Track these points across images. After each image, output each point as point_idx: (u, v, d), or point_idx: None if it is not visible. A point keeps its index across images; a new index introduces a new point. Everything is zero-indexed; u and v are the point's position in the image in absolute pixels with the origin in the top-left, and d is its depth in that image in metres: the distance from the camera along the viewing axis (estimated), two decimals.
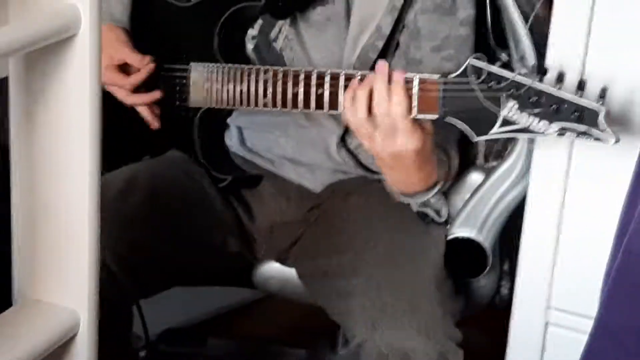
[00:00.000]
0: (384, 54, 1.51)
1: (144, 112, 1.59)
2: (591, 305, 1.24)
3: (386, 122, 1.33)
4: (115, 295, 1.44)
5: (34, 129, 1.01)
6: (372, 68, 1.49)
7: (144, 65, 1.56)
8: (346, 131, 1.57)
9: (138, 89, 1.57)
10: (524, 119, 1.26)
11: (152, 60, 1.56)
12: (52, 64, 0.98)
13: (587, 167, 1.37)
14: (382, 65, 1.35)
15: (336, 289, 1.46)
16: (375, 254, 1.47)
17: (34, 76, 1.00)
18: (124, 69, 1.57)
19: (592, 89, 1.25)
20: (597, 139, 1.23)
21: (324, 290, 1.51)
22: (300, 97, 1.43)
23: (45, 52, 0.97)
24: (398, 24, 1.50)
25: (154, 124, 1.60)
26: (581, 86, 1.24)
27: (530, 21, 1.38)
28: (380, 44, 1.50)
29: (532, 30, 1.38)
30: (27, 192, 1.05)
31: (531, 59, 1.40)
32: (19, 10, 0.94)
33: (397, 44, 1.53)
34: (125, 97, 1.57)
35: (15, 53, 0.95)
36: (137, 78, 1.56)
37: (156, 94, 1.57)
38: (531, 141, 1.41)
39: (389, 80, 1.33)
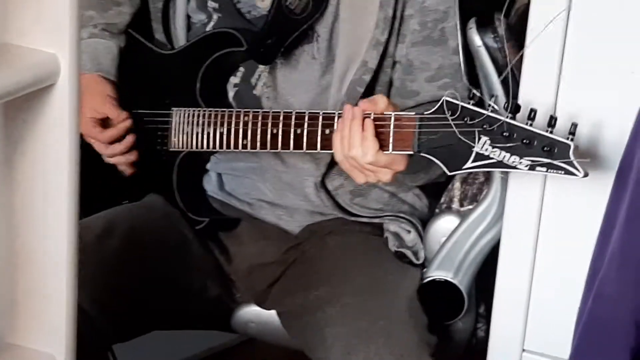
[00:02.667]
0: (372, 88, 1.54)
1: (119, 160, 1.62)
2: (565, 348, 1.25)
3: (365, 160, 1.37)
4: (93, 339, 1.45)
5: (12, 175, 1.02)
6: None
7: (120, 121, 1.59)
8: (326, 173, 1.59)
9: (113, 141, 1.60)
10: (496, 154, 1.29)
11: (128, 117, 1.59)
12: (31, 111, 1.00)
13: (559, 208, 1.39)
14: (346, 109, 1.40)
15: (313, 322, 1.48)
16: (351, 285, 1.48)
17: (13, 123, 1.01)
18: (104, 121, 1.60)
19: (562, 125, 1.28)
20: (567, 172, 1.26)
21: (300, 325, 1.52)
22: (279, 137, 1.46)
23: (25, 100, 0.98)
24: (384, 58, 1.53)
25: (128, 171, 1.62)
26: (552, 122, 1.27)
27: (503, 70, 1.41)
28: (367, 78, 1.53)
29: (504, 78, 1.40)
30: (5, 237, 1.05)
31: (502, 97, 1.43)
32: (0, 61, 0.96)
33: (391, 82, 1.55)
34: (102, 149, 1.60)
35: None
36: (111, 134, 1.60)
37: (129, 139, 1.60)
38: (505, 183, 1.43)
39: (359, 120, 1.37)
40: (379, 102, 1.41)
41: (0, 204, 1.05)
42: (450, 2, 1.51)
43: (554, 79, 1.32)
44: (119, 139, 1.60)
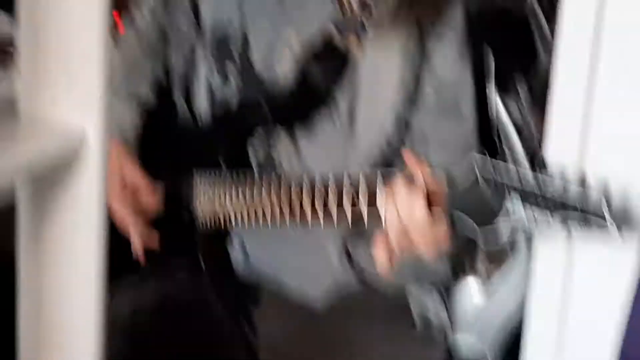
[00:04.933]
0: (392, 154, 1.55)
1: (137, 242, 1.61)
2: None
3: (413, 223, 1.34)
4: None
5: (40, 248, 1.02)
6: (382, 173, 1.52)
7: (153, 197, 1.59)
8: (349, 241, 1.58)
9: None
10: (527, 212, 1.28)
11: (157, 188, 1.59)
12: (59, 184, 1.00)
13: (587, 270, 1.37)
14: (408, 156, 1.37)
15: None
16: (376, 358, 1.46)
17: (41, 196, 1.01)
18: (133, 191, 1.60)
19: (592, 182, 1.27)
20: (600, 228, 1.25)
21: None
22: (307, 200, 1.45)
23: (53, 172, 0.99)
24: (402, 124, 1.54)
25: (140, 257, 1.62)
26: (583, 180, 1.26)
27: (525, 135, 1.41)
28: (386, 145, 1.53)
29: (527, 143, 1.40)
30: (33, 314, 1.05)
31: (527, 162, 1.43)
32: (27, 133, 0.97)
33: (404, 144, 1.56)
34: (131, 225, 1.60)
35: (23, 176, 0.96)
36: (148, 213, 1.59)
37: (154, 238, 1.60)
38: (530, 246, 1.42)
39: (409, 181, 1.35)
40: (424, 165, 1.38)
41: (28, 279, 1.05)
42: (466, 71, 1.53)
43: (578, 140, 1.31)
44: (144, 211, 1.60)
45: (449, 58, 1.53)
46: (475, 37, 1.54)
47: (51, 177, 0.99)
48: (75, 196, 1.00)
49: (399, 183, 1.34)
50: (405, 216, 1.33)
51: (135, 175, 1.59)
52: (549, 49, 1.39)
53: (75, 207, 1.00)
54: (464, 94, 1.53)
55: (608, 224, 1.24)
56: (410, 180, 1.34)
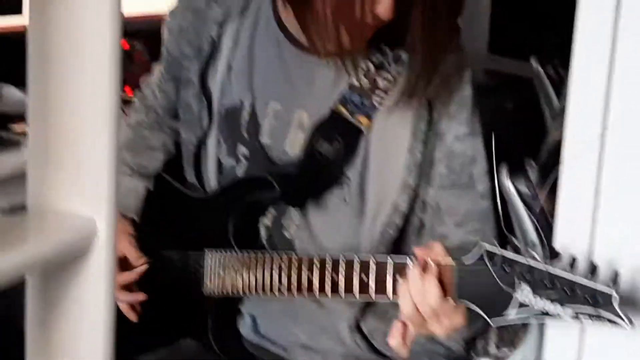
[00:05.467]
0: (404, 231, 1.54)
1: (124, 306, 1.62)
2: None
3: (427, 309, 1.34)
4: None
5: (48, 339, 1.02)
6: (393, 246, 1.53)
7: (137, 264, 1.60)
8: (361, 316, 1.58)
9: (126, 286, 1.61)
10: (538, 303, 1.27)
11: (146, 262, 1.60)
12: (68, 275, 1.00)
13: (599, 353, 1.36)
14: (418, 259, 1.35)
15: None
16: None
17: (49, 287, 1.01)
18: (122, 261, 1.61)
19: (601, 270, 1.26)
20: (612, 322, 1.24)
21: None
22: (316, 283, 1.45)
23: (62, 264, 0.99)
24: (415, 201, 1.53)
25: (132, 318, 1.62)
26: (593, 270, 1.26)
27: (537, 216, 1.40)
28: (399, 221, 1.53)
29: (539, 223, 1.40)
30: None
31: (538, 243, 1.42)
32: (36, 226, 0.97)
33: (422, 224, 1.55)
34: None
35: (33, 270, 0.97)
36: (127, 278, 1.60)
37: (139, 296, 1.62)
38: (542, 329, 1.41)
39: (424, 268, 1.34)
40: (435, 248, 1.37)
41: None
42: (478, 147, 1.53)
43: (589, 224, 1.31)
44: (130, 286, 1.60)
45: (460, 135, 1.53)
46: (484, 115, 1.55)
47: (60, 269, 0.99)
48: (84, 288, 1.00)
49: (414, 274, 1.34)
50: (422, 306, 1.33)
51: (123, 246, 1.61)
52: (559, 128, 1.39)
53: (84, 298, 1.00)
54: (478, 171, 1.53)
55: (619, 319, 1.23)
56: (423, 269, 1.34)
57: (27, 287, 1.03)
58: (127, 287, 1.62)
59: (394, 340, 1.37)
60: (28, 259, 0.93)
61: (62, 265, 0.98)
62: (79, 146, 0.98)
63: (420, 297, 1.33)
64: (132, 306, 1.63)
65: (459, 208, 1.53)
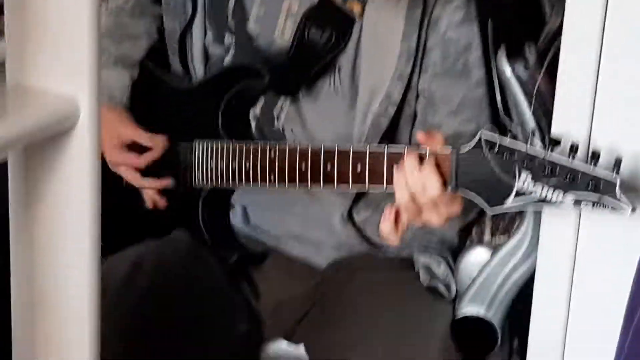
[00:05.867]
0: (396, 121, 1.51)
1: (151, 195, 1.58)
2: None
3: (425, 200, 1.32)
4: None
5: (32, 220, 1.00)
6: (385, 135, 1.50)
7: (155, 144, 1.55)
8: (352, 205, 1.56)
9: (148, 171, 1.56)
10: (538, 190, 1.25)
11: (163, 140, 1.55)
12: (51, 154, 0.97)
13: (595, 239, 1.35)
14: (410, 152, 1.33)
15: None
16: (381, 325, 1.45)
17: (33, 167, 0.99)
18: (133, 148, 1.56)
19: (603, 157, 1.24)
20: (613, 208, 1.22)
21: None
22: (309, 173, 1.42)
23: (44, 143, 0.96)
24: (408, 91, 1.50)
25: (161, 204, 1.59)
26: (595, 157, 1.23)
27: (533, 98, 1.37)
28: (391, 111, 1.50)
29: (536, 106, 1.37)
30: (25, 283, 1.03)
31: (537, 130, 1.40)
32: (17, 104, 0.94)
33: (415, 114, 1.52)
34: (136, 179, 1.56)
35: (14, 147, 0.94)
36: (149, 157, 1.55)
37: (167, 181, 1.56)
38: (538, 217, 1.39)
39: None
40: (437, 136, 1.35)
41: (21, 250, 1.03)
42: (473, 33, 1.48)
43: (588, 109, 1.28)
44: (154, 167, 1.56)
45: (455, 21, 1.49)
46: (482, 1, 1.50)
47: (42, 147, 0.97)
48: (69, 167, 0.97)
49: (411, 164, 1.32)
50: (420, 196, 1.31)
51: (131, 131, 1.56)
52: (559, 13, 1.35)
53: (68, 177, 0.98)
54: (474, 58, 1.49)
55: (623, 204, 1.21)
56: (420, 157, 1.31)
57: (9, 167, 1.01)
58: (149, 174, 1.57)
59: (385, 226, 1.35)
60: (9, 136, 0.90)
61: (44, 144, 0.95)
62: (59, 25, 0.94)
63: (417, 187, 1.31)
64: (159, 191, 1.59)
65: (453, 96, 1.49)
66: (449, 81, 1.49)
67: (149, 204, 1.60)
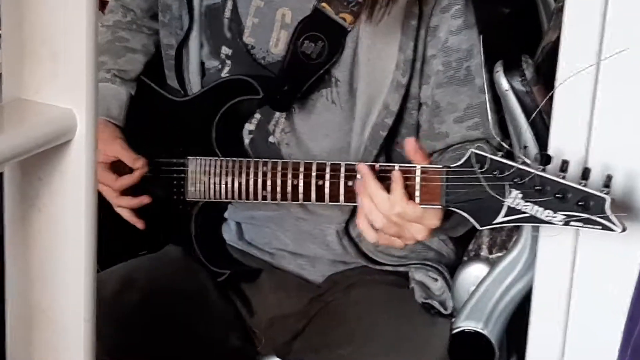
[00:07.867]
0: (395, 131, 1.51)
1: (126, 214, 1.57)
2: None
3: (398, 219, 1.31)
4: None
5: (28, 232, 0.99)
6: (384, 146, 1.49)
7: (137, 167, 1.54)
8: (348, 220, 1.55)
9: (126, 191, 1.55)
10: (528, 208, 1.24)
11: (145, 163, 1.55)
12: (47, 168, 0.96)
13: (593, 257, 1.34)
14: (361, 168, 1.34)
15: None
16: (377, 344, 1.43)
17: (29, 180, 0.98)
18: (116, 167, 1.55)
19: (595, 175, 1.23)
20: (604, 227, 1.22)
21: None
22: (301, 189, 1.42)
23: (41, 156, 0.95)
24: (407, 100, 1.50)
25: (138, 224, 1.58)
26: (585, 175, 1.22)
27: (532, 115, 1.37)
28: (389, 121, 1.49)
29: (533, 121, 1.37)
30: (21, 295, 1.02)
31: (533, 148, 1.39)
32: (14, 118, 0.93)
33: (418, 125, 1.52)
34: (113, 198, 1.55)
35: (10, 161, 0.93)
36: (128, 181, 1.55)
37: (144, 199, 1.56)
38: (535, 231, 1.39)
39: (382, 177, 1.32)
40: (423, 154, 1.34)
41: (17, 262, 1.01)
42: (473, 41, 1.48)
43: (585, 126, 1.28)
44: (132, 190, 1.55)
45: (455, 28, 1.48)
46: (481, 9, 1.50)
47: (40, 161, 0.96)
48: (65, 180, 0.96)
49: (372, 184, 1.31)
50: (389, 215, 1.31)
51: (117, 149, 1.55)
52: (557, 27, 1.35)
53: (65, 191, 0.97)
54: (476, 64, 1.48)
55: (612, 224, 1.20)
56: (406, 174, 1.31)
57: (5, 180, 1.00)
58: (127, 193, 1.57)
59: (360, 222, 1.35)
60: (5, 149, 0.89)
61: (41, 157, 0.94)
62: (56, 38, 0.93)
63: (385, 205, 1.31)
64: (135, 213, 1.58)
65: (458, 104, 1.49)
66: (452, 89, 1.49)
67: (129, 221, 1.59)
